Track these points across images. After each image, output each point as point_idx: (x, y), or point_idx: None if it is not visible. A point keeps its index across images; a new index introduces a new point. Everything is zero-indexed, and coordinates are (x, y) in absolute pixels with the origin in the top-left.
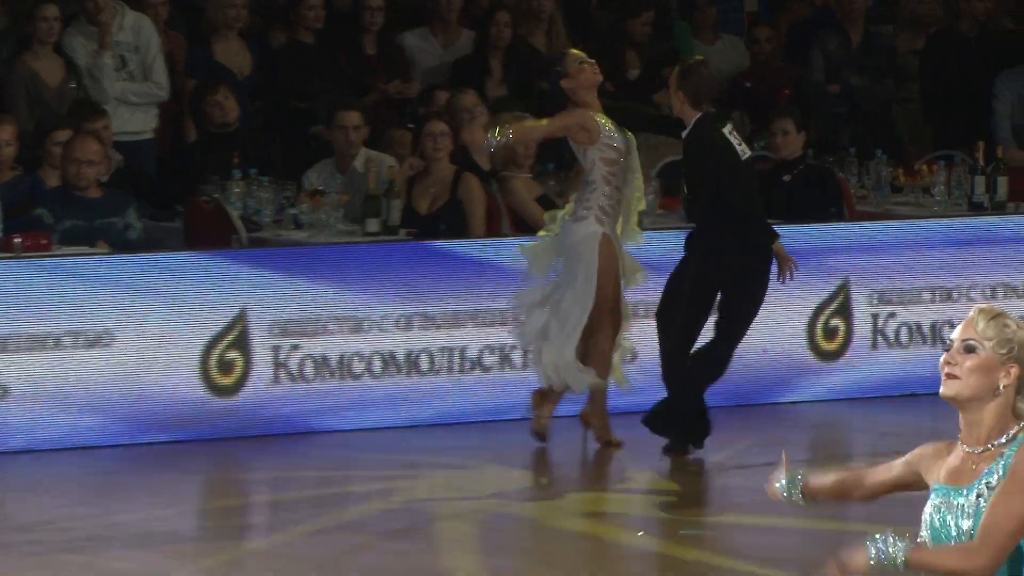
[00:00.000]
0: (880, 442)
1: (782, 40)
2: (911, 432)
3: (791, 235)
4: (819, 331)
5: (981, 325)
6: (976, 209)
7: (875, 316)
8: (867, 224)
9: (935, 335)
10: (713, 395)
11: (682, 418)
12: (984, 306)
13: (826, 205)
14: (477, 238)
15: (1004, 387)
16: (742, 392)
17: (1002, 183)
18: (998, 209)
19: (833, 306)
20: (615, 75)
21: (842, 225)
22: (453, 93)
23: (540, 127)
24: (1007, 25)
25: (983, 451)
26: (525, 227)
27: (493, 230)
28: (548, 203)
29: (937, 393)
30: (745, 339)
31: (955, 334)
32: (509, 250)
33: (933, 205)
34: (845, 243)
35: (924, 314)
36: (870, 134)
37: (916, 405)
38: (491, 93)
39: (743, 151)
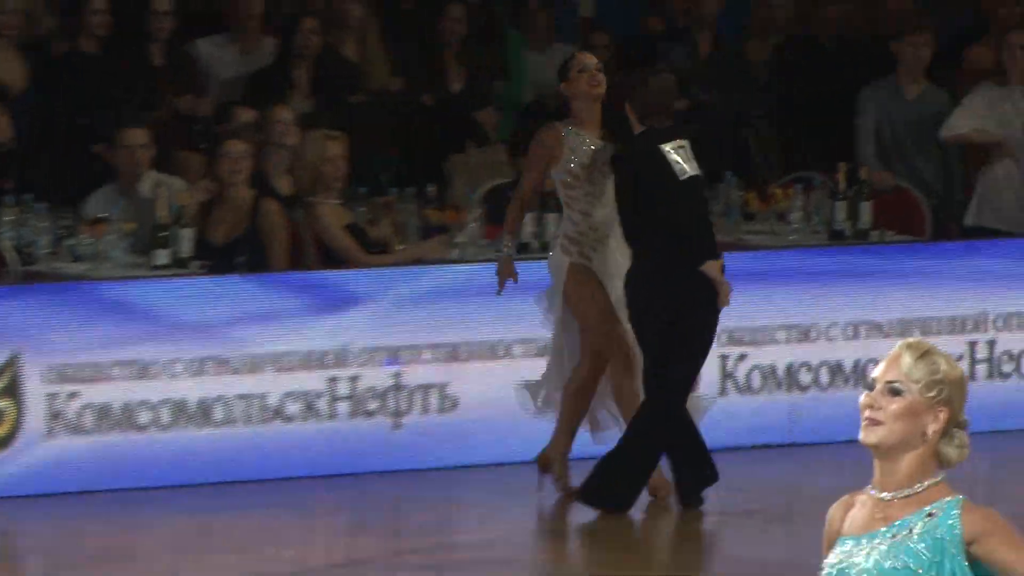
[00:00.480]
0: (729, 499)
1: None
2: (764, 488)
3: None
4: None
5: (908, 364)
6: (837, 237)
7: (723, 358)
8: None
9: (790, 379)
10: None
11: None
12: (912, 341)
13: None
14: (279, 271)
15: (932, 433)
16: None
17: (865, 209)
18: (861, 237)
19: None
20: (434, 87)
21: None
22: (261, 109)
23: (524, 180)
24: (868, 32)
25: (900, 497)
26: (333, 258)
27: (296, 262)
28: (358, 232)
29: (792, 444)
30: (478, 390)
31: (878, 373)
32: (315, 284)
33: (789, 233)
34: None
35: (778, 355)
36: (720, 154)
37: (770, 458)
38: (296, 107)
39: (684, 169)
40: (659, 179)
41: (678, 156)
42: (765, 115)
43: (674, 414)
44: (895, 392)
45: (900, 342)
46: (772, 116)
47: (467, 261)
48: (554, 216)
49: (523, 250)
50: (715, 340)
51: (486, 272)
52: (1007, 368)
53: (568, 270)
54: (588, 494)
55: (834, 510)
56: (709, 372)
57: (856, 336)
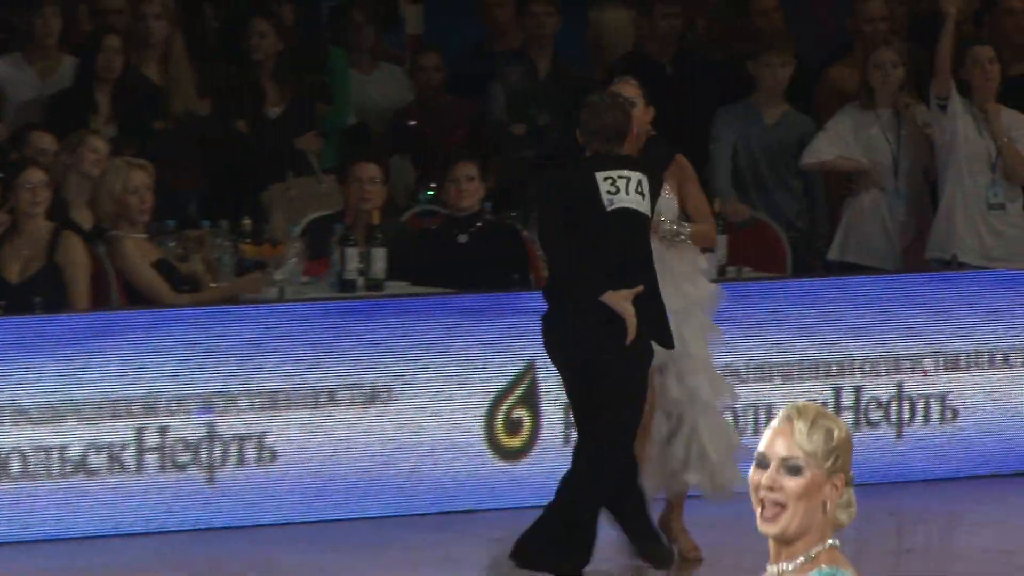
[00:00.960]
0: None
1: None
2: (606, 545)
3: (467, 306)
4: (499, 424)
5: (802, 436)
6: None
7: (567, 406)
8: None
9: None
10: (362, 504)
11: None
12: (800, 407)
13: (508, 270)
14: (80, 311)
15: (832, 504)
16: (408, 499)
17: (721, 243)
18: (718, 274)
19: (517, 393)
20: (252, 112)
21: (526, 295)
22: (61, 135)
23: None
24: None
25: (797, 565)
26: (138, 297)
27: (100, 301)
28: (167, 268)
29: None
30: (411, 436)
31: (767, 447)
32: (120, 325)
33: None
34: (530, 316)
35: None
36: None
37: None
38: (99, 133)
39: (613, 200)
40: (583, 207)
41: (614, 186)
42: None
43: (610, 464)
44: (794, 470)
45: (785, 409)
46: None
47: (287, 300)
48: (382, 251)
49: (347, 287)
50: (560, 385)
51: (307, 312)
52: (875, 416)
53: None
54: (525, 556)
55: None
56: (551, 420)
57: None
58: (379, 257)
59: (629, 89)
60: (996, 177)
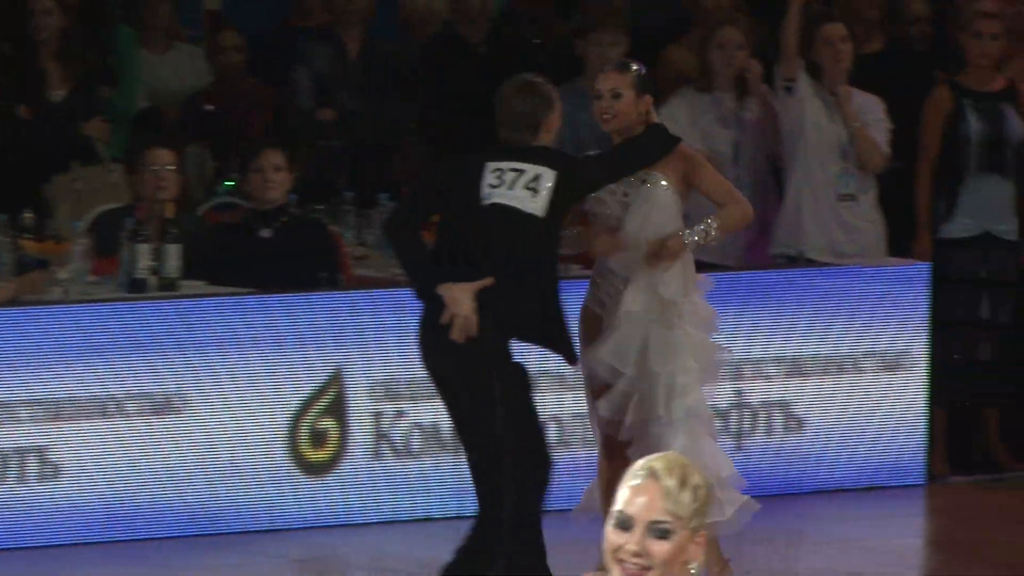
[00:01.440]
0: None
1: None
2: (422, 568)
3: (270, 308)
4: (304, 436)
5: (672, 496)
6: None
7: (378, 415)
8: (370, 293)
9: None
10: (154, 523)
11: None
12: (665, 463)
13: (316, 269)
14: None
15: (694, 561)
16: (204, 518)
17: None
18: None
19: (323, 403)
20: (33, 96)
21: (336, 295)
22: None
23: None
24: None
25: None
26: None
27: None
28: None
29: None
30: (208, 449)
31: (631, 508)
32: None
33: None
34: (338, 319)
35: (441, 412)
36: (374, 174)
37: (432, 531)
38: None
39: (492, 194)
40: (459, 197)
41: (500, 179)
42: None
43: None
44: (663, 535)
45: (645, 462)
46: (430, 127)
47: (72, 301)
48: (176, 248)
49: (138, 287)
50: (371, 394)
51: (94, 314)
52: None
53: (581, 316)
54: None
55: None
56: (360, 431)
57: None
58: (173, 254)
59: (611, 80)
60: (847, 166)
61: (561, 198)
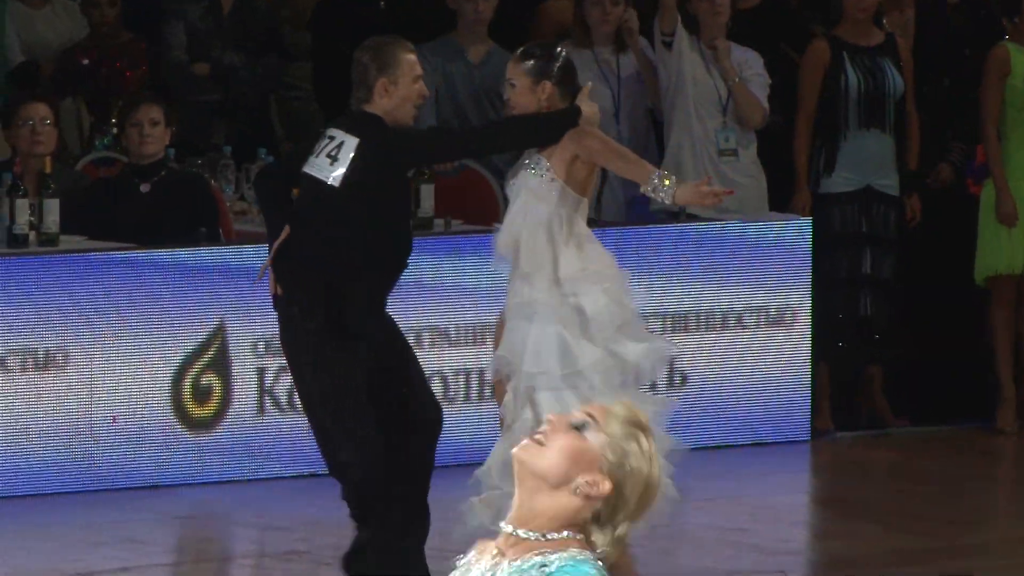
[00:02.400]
0: (267, 539)
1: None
2: (307, 525)
3: (151, 262)
4: (187, 391)
5: (614, 427)
6: None
7: (261, 371)
8: (248, 248)
9: None
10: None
11: None
12: (627, 408)
13: (195, 223)
14: None
15: (582, 494)
16: (86, 474)
17: (427, 193)
18: (423, 227)
19: (206, 358)
20: None
21: (216, 249)
22: None
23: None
24: None
25: (525, 538)
26: None
27: None
28: None
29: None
30: (90, 405)
31: (584, 405)
32: None
33: None
34: (221, 273)
35: None
36: (251, 129)
37: (318, 488)
38: None
39: (308, 160)
40: (301, 161)
41: (319, 146)
42: (299, 86)
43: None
44: (579, 428)
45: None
46: (310, 85)
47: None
48: (55, 203)
49: (18, 242)
50: (253, 349)
51: None
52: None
53: None
54: None
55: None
56: (243, 387)
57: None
58: (52, 209)
59: (508, 69)
60: (727, 121)
61: (365, 169)
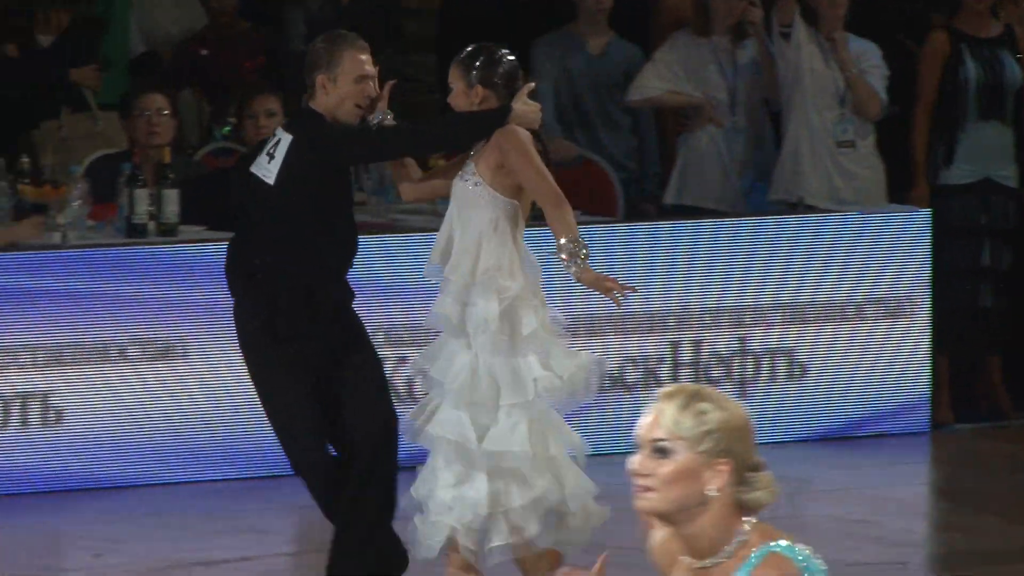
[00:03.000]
0: None
1: None
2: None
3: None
4: None
5: (671, 417)
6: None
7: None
8: (369, 239)
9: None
10: (155, 469)
11: None
12: (672, 389)
13: None
14: None
15: (717, 491)
16: (207, 464)
17: None
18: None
19: None
20: (24, 41)
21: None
22: None
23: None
24: None
25: (712, 565)
26: None
27: None
28: None
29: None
30: (210, 395)
31: (641, 430)
32: None
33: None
34: None
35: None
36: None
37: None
38: None
39: (258, 160)
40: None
41: (269, 144)
42: (422, 78)
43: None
44: (662, 453)
45: (661, 390)
46: (434, 75)
47: (71, 246)
48: (174, 193)
49: (137, 232)
50: None
51: (93, 259)
52: (716, 372)
53: None
54: None
55: (658, 550)
56: None
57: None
58: (171, 199)
59: (450, 72)
60: (845, 112)
61: (298, 166)
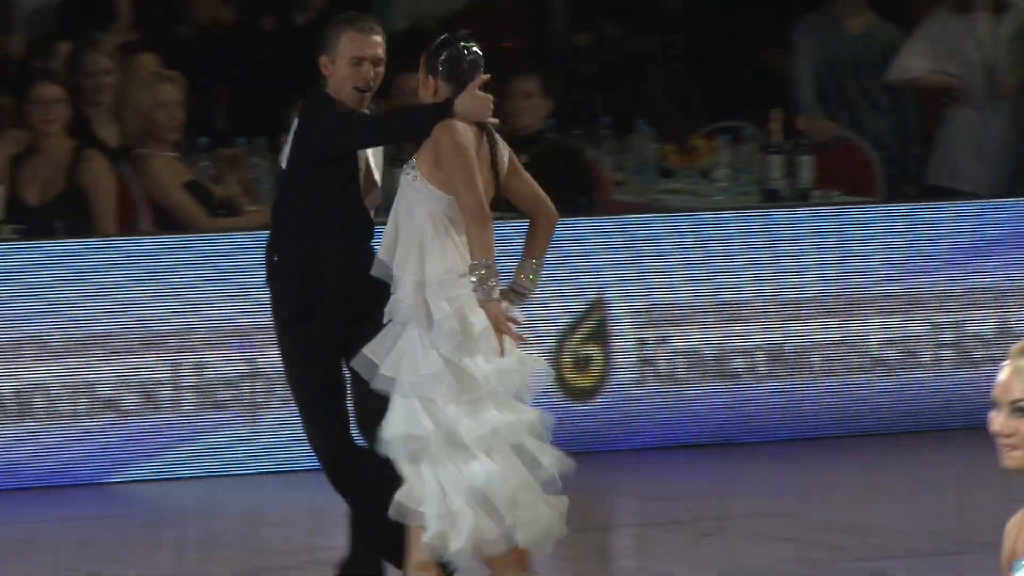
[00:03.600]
0: (649, 509)
1: None
2: (691, 495)
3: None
4: (568, 362)
5: (1022, 374)
6: (771, 198)
7: (640, 341)
8: (628, 218)
9: (721, 366)
10: None
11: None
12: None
13: (574, 194)
14: (106, 235)
15: None
16: None
17: (805, 164)
18: (801, 198)
19: (586, 329)
20: (278, 17)
21: (595, 219)
22: (84, 42)
23: None
24: None
25: None
26: (168, 221)
27: (127, 225)
28: (200, 191)
29: (724, 444)
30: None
31: (998, 389)
32: (148, 252)
33: (715, 193)
34: (599, 244)
35: (706, 338)
36: (630, 100)
37: (702, 458)
38: (118, 41)
39: (281, 152)
40: None
41: (291, 132)
42: (676, 56)
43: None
44: (1022, 412)
45: (1014, 346)
46: (688, 54)
47: None
48: None
49: None
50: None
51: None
52: (977, 354)
53: None
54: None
55: (1011, 527)
56: (625, 358)
57: (797, 315)
58: None
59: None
60: None
61: (298, 150)
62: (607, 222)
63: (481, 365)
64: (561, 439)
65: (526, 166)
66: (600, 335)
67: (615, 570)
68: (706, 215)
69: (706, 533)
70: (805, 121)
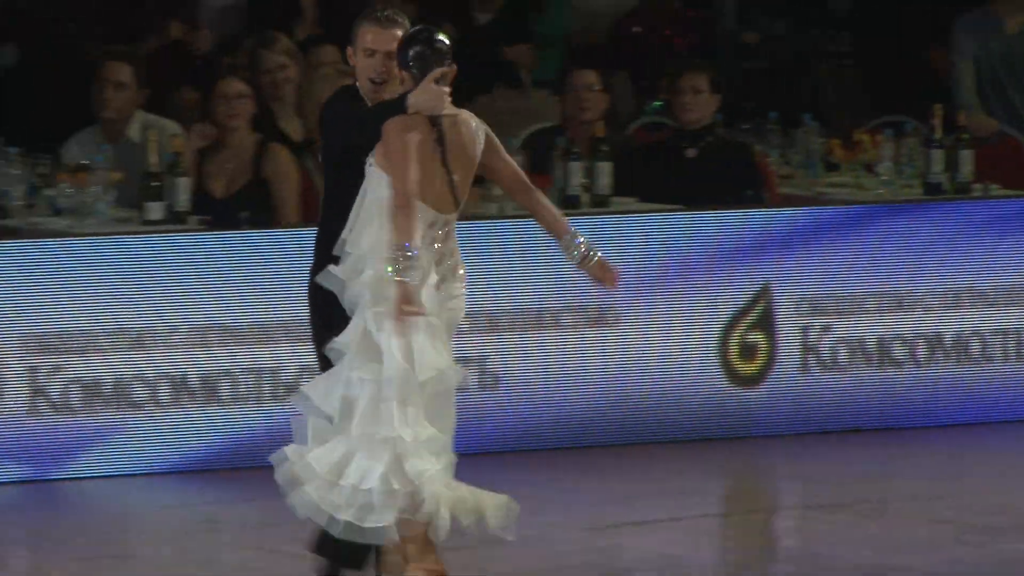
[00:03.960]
0: (811, 492)
1: None
2: (851, 479)
3: (695, 225)
4: (734, 349)
5: None
6: (933, 192)
7: (804, 330)
8: (793, 211)
9: (882, 353)
10: (598, 432)
11: None
12: None
13: (741, 187)
14: (290, 226)
15: None
16: (637, 426)
17: (966, 159)
18: (962, 192)
19: (752, 316)
20: (457, 19)
21: (762, 212)
22: (258, 41)
23: None
24: None
25: None
26: None
27: (310, 216)
28: None
29: (886, 428)
30: (640, 360)
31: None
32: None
33: (879, 187)
34: (766, 235)
35: (868, 327)
36: (796, 96)
37: (857, 443)
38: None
39: None
40: None
41: None
42: (844, 53)
43: None
44: None
45: None
46: (850, 54)
47: (506, 216)
48: (607, 166)
49: (570, 203)
50: (797, 309)
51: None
52: None
53: None
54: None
55: None
56: (788, 346)
57: (957, 305)
58: (604, 172)
59: None
60: None
61: (322, 146)
62: (774, 214)
63: (393, 348)
64: (724, 425)
65: (695, 160)
66: (766, 323)
67: (779, 550)
68: (869, 208)
69: (866, 515)
70: (965, 117)
